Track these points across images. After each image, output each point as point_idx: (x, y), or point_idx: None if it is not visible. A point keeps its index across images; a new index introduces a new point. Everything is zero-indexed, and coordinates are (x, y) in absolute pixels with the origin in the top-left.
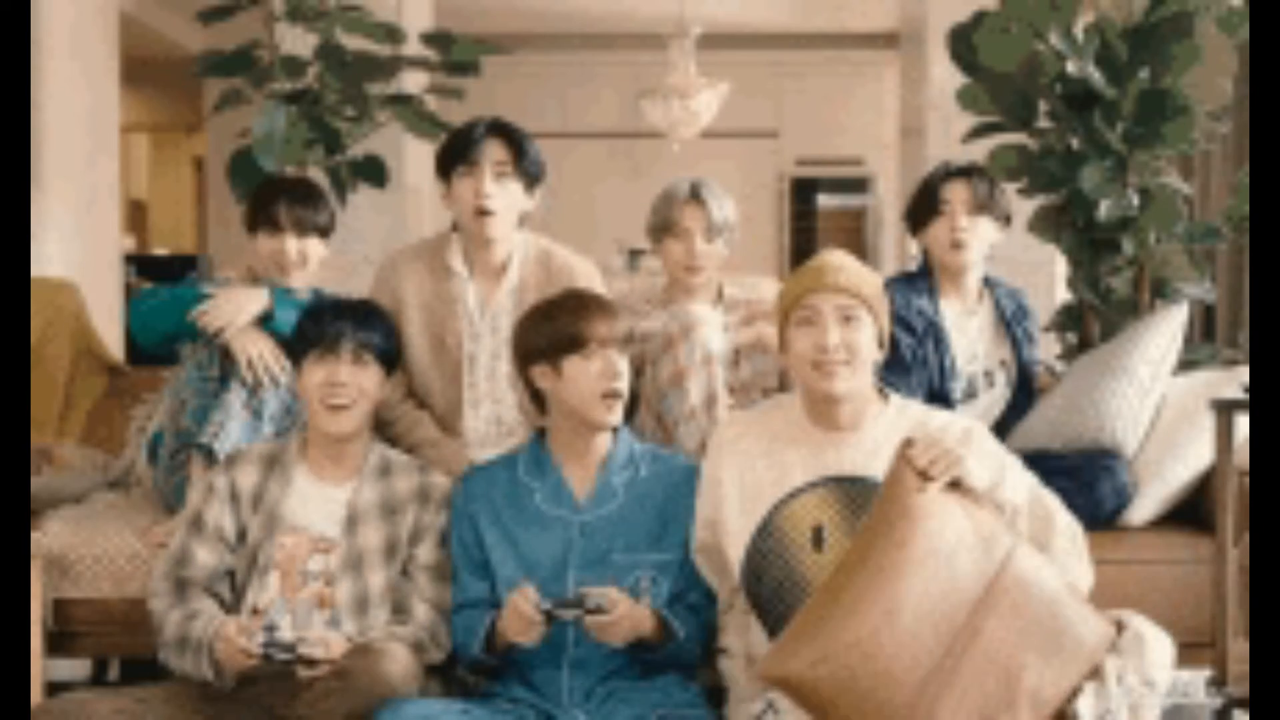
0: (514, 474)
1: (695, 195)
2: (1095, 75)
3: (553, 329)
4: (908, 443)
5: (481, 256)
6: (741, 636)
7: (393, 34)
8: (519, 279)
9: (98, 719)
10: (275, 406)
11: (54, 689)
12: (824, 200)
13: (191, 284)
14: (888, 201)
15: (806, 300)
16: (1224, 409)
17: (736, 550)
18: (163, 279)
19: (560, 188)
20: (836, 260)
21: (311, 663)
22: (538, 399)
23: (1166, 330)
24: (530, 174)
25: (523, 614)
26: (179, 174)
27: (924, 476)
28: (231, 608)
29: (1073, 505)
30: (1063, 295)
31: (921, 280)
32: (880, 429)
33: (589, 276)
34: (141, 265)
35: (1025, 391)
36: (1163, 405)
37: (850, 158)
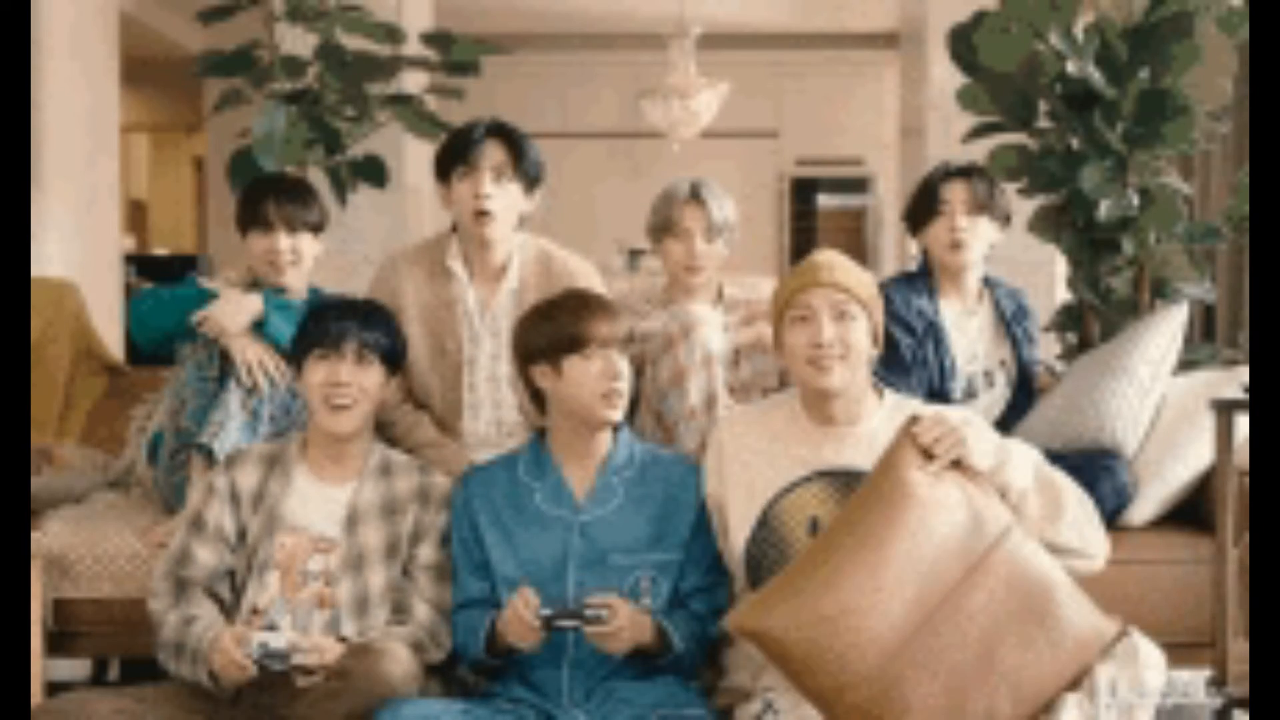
0: (514, 474)
1: (695, 195)
2: (1095, 75)
3: (553, 329)
4: (913, 419)
5: (481, 258)
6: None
7: (393, 34)
8: (519, 281)
9: (98, 719)
10: (274, 407)
11: (54, 689)
12: (824, 200)
13: (190, 284)
14: (888, 201)
15: (800, 298)
16: (1224, 409)
17: (737, 543)
18: (163, 279)
19: (560, 188)
20: (829, 259)
21: (309, 672)
22: (538, 398)
23: (1166, 330)
24: (529, 175)
25: (522, 620)
26: (179, 174)
27: (926, 455)
28: (231, 607)
29: None
30: (1063, 295)
31: (921, 280)
32: (876, 424)
33: (589, 278)
34: (141, 265)
35: (1025, 391)
36: (1163, 405)
37: (850, 158)
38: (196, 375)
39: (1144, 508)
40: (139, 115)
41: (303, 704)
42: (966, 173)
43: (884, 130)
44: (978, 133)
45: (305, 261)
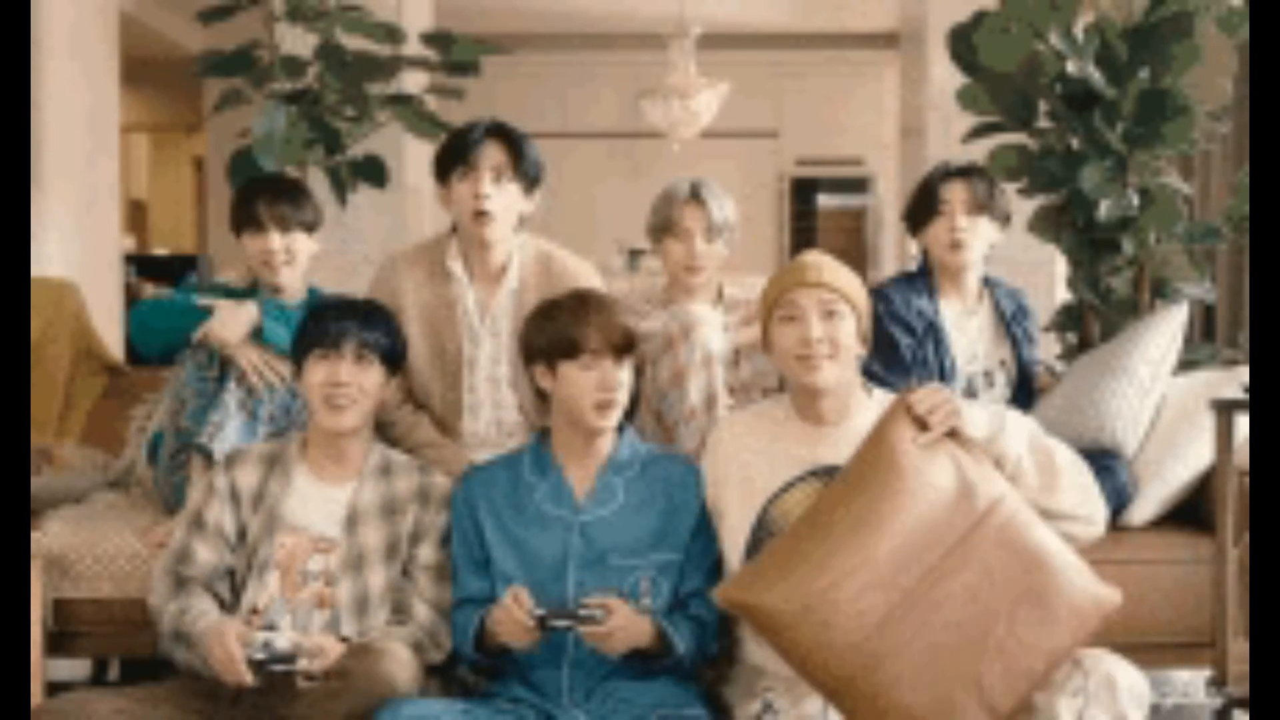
0: (515, 473)
1: (695, 195)
2: (1095, 75)
3: (552, 330)
4: (908, 390)
5: (481, 259)
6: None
7: (393, 34)
8: (519, 282)
9: (98, 719)
10: (273, 406)
11: (54, 689)
12: (824, 200)
13: (186, 293)
14: (888, 201)
15: (788, 297)
16: (1224, 409)
17: (736, 543)
18: (163, 279)
19: (560, 188)
20: (816, 259)
21: (310, 676)
22: (542, 396)
23: (1166, 330)
24: (529, 176)
25: (516, 619)
26: (179, 174)
27: (921, 425)
28: (231, 607)
29: None
30: (1063, 295)
31: (921, 280)
32: (867, 420)
33: (589, 278)
34: (141, 265)
35: (1025, 391)
36: (1163, 405)
37: (850, 158)
38: (196, 375)
39: (1144, 508)
40: (139, 115)
41: (303, 704)
42: (966, 173)
43: (884, 130)
44: (978, 133)
45: (300, 260)
